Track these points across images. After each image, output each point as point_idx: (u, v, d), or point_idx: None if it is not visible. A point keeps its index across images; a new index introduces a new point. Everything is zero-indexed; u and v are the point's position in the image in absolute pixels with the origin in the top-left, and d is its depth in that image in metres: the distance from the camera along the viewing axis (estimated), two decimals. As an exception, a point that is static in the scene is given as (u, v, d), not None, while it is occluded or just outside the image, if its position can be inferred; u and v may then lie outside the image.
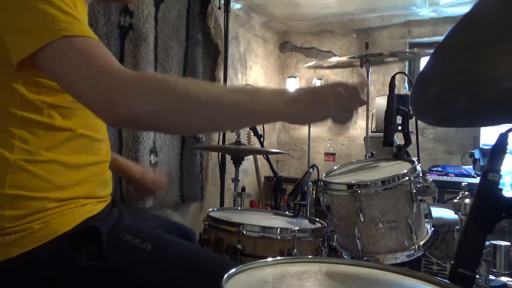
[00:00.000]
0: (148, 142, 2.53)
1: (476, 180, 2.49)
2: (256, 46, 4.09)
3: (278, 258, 0.90)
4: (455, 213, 1.15)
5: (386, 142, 1.49)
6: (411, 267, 0.98)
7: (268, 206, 3.26)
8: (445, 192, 2.86)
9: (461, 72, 0.77)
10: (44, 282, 0.88)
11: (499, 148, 0.80)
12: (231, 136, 2.42)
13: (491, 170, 0.79)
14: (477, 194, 0.81)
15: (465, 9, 0.84)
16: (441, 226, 2.00)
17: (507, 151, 0.81)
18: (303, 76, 4.43)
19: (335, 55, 4.28)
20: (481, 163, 2.92)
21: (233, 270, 0.74)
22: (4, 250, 0.85)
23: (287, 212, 1.69)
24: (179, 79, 0.82)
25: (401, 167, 1.36)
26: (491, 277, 0.88)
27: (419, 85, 0.82)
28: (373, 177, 1.29)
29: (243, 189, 2.30)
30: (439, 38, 0.76)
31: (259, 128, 2.51)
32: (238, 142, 2.08)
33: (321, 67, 3.26)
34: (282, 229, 1.36)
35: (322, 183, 1.41)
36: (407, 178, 1.26)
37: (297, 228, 1.37)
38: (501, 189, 0.79)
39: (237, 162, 2.20)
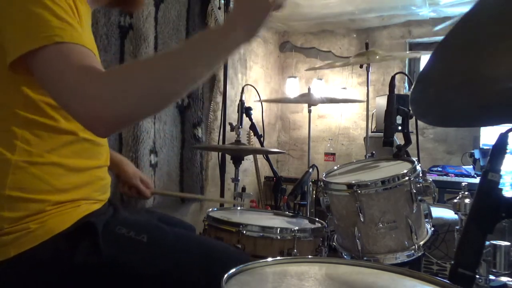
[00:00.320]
0: (148, 142, 2.53)
1: (476, 180, 2.49)
2: (256, 46, 4.09)
3: (278, 258, 0.90)
4: (455, 213, 1.15)
5: (386, 142, 1.50)
6: (411, 267, 0.98)
7: (268, 206, 3.26)
8: (445, 192, 2.86)
9: (461, 72, 0.77)
10: (43, 281, 0.89)
11: (499, 148, 0.80)
12: (231, 136, 2.42)
13: (491, 170, 0.79)
14: (477, 194, 0.81)
15: (465, 9, 0.84)
16: (441, 226, 2.00)
17: (507, 151, 0.81)
18: (303, 76, 4.44)
19: (335, 55, 4.29)
20: (481, 163, 2.92)
21: (233, 270, 0.74)
22: (3, 250, 0.86)
23: (287, 212, 1.69)
24: (137, 63, 0.86)
25: (401, 167, 1.36)
26: (491, 277, 0.88)
27: (419, 85, 0.82)
28: (373, 177, 1.29)
29: (243, 189, 2.29)
30: (439, 38, 0.76)
31: (259, 128, 2.51)
32: (238, 142, 2.08)
33: (321, 67, 3.25)
34: (282, 229, 1.36)
35: (322, 183, 1.41)
36: (407, 178, 1.26)
37: (297, 228, 1.37)
38: (501, 189, 0.79)
39: (237, 162, 2.20)
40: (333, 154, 4.15)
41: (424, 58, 3.60)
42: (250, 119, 2.45)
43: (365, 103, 2.76)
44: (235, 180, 2.28)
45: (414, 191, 1.27)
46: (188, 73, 0.79)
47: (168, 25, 2.67)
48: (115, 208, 1.05)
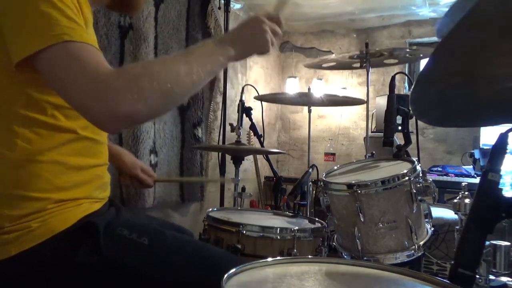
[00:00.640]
0: (148, 142, 2.53)
1: (476, 180, 2.49)
2: (256, 46, 4.08)
3: (278, 258, 0.90)
4: (455, 213, 1.15)
5: (386, 142, 1.50)
6: (411, 267, 0.98)
7: (268, 206, 3.26)
8: (445, 192, 2.86)
9: (461, 72, 0.77)
10: (44, 280, 0.89)
11: (499, 148, 0.80)
12: (231, 136, 2.42)
13: (491, 170, 0.79)
14: (477, 194, 0.81)
15: (465, 9, 0.84)
16: (441, 226, 2.00)
17: (507, 151, 0.81)
18: (303, 76, 4.43)
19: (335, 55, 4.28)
20: (481, 163, 2.92)
21: (233, 270, 0.74)
22: (3, 249, 0.86)
23: (287, 212, 1.69)
24: (155, 63, 0.90)
25: (401, 167, 1.36)
26: (491, 277, 0.88)
27: (419, 85, 0.82)
28: (373, 177, 1.29)
29: (243, 189, 2.29)
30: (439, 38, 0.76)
31: (259, 128, 2.51)
32: (238, 142, 2.08)
33: (321, 67, 3.25)
34: (282, 229, 1.36)
35: (322, 183, 1.41)
36: (407, 178, 1.26)
37: (297, 228, 1.37)
38: (501, 189, 0.79)
39: (237, 162, 2.20)
40: (333, 154, 4.15)
41: (424, 58, 3.59)
42: (250, 119, 2.45)
43: (365, 103, 2.76)
44: (235, 180, 2.28)
45: (414, 191, 1.27)
46: (192, 76, 0.84)
47: (168, 25, 2.67)
48: (117, 209, 1.06)
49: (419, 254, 1.28)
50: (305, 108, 2.73)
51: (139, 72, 0.80)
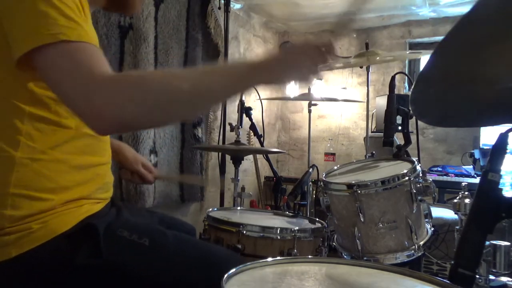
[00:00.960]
0: (148, 142, 2.53)
1: (476, 180, 2.49)
2: (256, 46, 4.09)
3: (278, 258, 0.90)
4: (455, 213, 1.15)
5: (386, 142, 1.50)
6: (411, 267, 0.98)
7: (268, 206, 3.26)
8: (445, 192, 2.86)
9: (461, 72, 0.77)
10: (44, 282, 0.88)
11: (499, 148, 0.81)
12: (231, 136, 2.42)
13: (491, 170, 0.79)
14: (477, 194, 0.81)
15: (465, 9, 0.84)
16: (441, 226, 2.00)
17: (507, 151, 0.81)
18: (303, 76, 4.43)
19: (335, 55, 4.28)
20: (481, 163, 2.92)
21: (233, 270, 0.74)
22: (3, 251, 0.85)
23: (287, 212, 1.69)
24: (156, 74, 0.85)
25: (401, 167, 1.36)
26: (491, 277, 0.88)
27: (419, 85, 0.82)
28: (373, 177, 1.29)
29: (243, 189, 2.29)
30: (439, 38, 0.76)
31: (259, 128, 2.51)
32: (238, 142, 2.08)
33: (321, 67, 3.26)
34: (282, 229, 1.36)
35: (322, 183, 1.41)
36: (407, 178, 1.26)
37: (297, 228, 1.37)
38: (501, 189, 0.79)
39: (237, 162, 2.20)
40: (333, 154, 4.15)
41: (424, 58, 3.59)
42: (250, 119, 2.45)
43: (365, 103, 2.76)
44: (235, 180, 2.28)
45: (414, 191, 1.27)
46: (200, 95, 0.81)
47: (168, 25, 2.67)
48: (118, 210, 1.05)
49: (419, 254, 1.28)
50: (305, 108, 2.74)
51: (136, 80, 0.79)
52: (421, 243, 1.28)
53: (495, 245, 0.88)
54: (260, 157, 3.28)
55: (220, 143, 2.76)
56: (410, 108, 1.47)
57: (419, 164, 1.36)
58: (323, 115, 4.32)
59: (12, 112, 0.87)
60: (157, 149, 2.62)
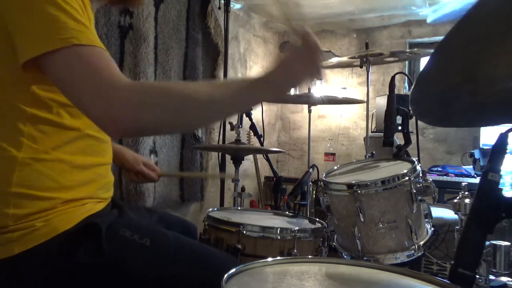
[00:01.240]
0: (148, 142, 2.53)
1: (476, 180, 2.49)
2: (256, 46, 4.09)
3: (278, 258, 0.90)
4: (455, 213, 1.15)
5: (386, 142, 1.50)
6: (411, 267, 0.98)
7: (268, 206, 3.26)
8: (445, 192, 2.86)
9: (461, 72, 0.77)
10: (46, 279, 0.89)
11: (499, 148, 0.81)
12: (231, 136, 2.42)
13: (491, 170, 0.79)
14: (477, 194, 0.81)
15: (465, 9, 0.84)
16: (441, 226, 2.00)
17: (507, 151, 0.81)
18: (303, 76, 4.43)
19: (335, 55, 4.28)
20: (481, 163, 2.92)
21: (233, 270, 0.74)
22: (7, 248, 0.86)
23: (287, 212, 1.69)
24: (175, 86, 0.88)
25: (401, 167, 1.36)
26: (491, 277, 0.88)
27: (419, 85, 0.82)
28: (373, 177, 1.29)
29: (243, 189, 2.29)
30: (439, 38, 0.76)
31: (259, 128, 2.51)
32: (238, 142, 2.08)
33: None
34: (282, 229, 1.36)
35: (322, 183, 1.41)
36: (407, 178, 1.26)
37: (297, 228, 1.36)
38: (501, 189, 0.79)
39: (237, 162, 2.20)
40: (333, 154, 4.15)
41: (424, 58, 3.59)
42: (250, 119, 2.44)
43: (365, 103, 2.76)
44: (235, 180, 2.28)
45: (414, 191, 1.27)
46: (211, 109, 0.83)
47: (168, 25, 2.66)
48: (120, 210, 1.06)
49: (419, 254, 1.28)
50: (305, 108, 2.73)
51: (154, 89, 0.82)
52: (421, 243, 1.28)
53: (495, 245, 0.88)
54: (260, 157, 3.28)
55: (220, 143, 2.76)
56: (410, 108, 1.47)
57: (419, 164, 1.36)
58: (323, 115, 4.32)
59: (14, 114, 0.87)
60: (157, 149, 2.62)
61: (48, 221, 0.88)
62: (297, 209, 1.86)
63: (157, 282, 0.93)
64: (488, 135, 3.03)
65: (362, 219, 1.27)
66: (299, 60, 0.89)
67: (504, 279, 0.88)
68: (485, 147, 2.96)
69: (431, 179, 1.32)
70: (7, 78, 0.86)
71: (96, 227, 0.91)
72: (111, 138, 0.85)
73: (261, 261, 0.83)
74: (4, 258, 0.86)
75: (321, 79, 0.92)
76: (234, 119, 2.63)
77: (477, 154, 2.99)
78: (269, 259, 0.85)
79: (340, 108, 4.21)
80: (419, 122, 2.25)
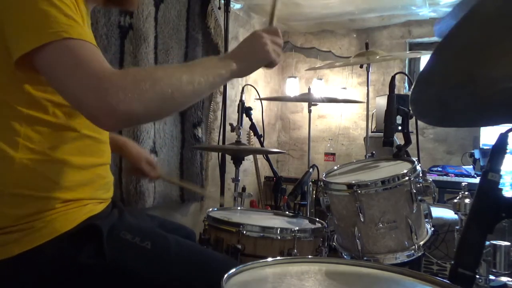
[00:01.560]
0: (148, 142, 2.53)
1: (476, 180, 2.49)
2: (256, 46, 4.08)
3: (278, 258, 0.90)
4: (455, 213, 1.15)
5: (386, 142, 1.49)
6: (411, 267, 0.98)
7: (268, 206, 3.26)
8: (445, 192, 2.86)
9: (461, 72, 0.77)
10: (46, 280, 0.89)
11: (499, 148, 0.80)
12: (231, 136, 2.42)
13: (491, 170, 0.79)
14: (477, 194, 0.81)
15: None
16: (441, 226, 2.00)
17: (507, 151, 0.81)
18: (303, 76, 4.43)
19: (335, 55, 4.29)
20: (481, 163, 2.92)
21: (233, 270, 0.74)
22: (6, 249, 0.85)
23: (287, 212, 1.69)
24: (157, 69, 0.91)
25: (401, 167, 1.36)
26: (491, 277, 0.88)
27: (419, 85, 0.82)
28: (373, 177, 1.29)
29: (243, 189, 2.29)
30: (439, 38, 0.76)
31: (259, 128, 2.51)
32: (238, 142, 2.08)
33: (321, 67, 3.26)
34: (282, 229, 1.36)
35: (322, 183, 1.41)
36: (407, 178, 1.26)
37: (297, 228, 1.36)
38: (501, 189, 0.79)
39: (237, 162, 2.20)
40: (333, 154, 4.15)
41: (424, 58, 3.59)
42: (250, 119, 2.45)
43: (365, 103, 2.76)
44: (235, 180, 2.28)
45: (414, 191, 1.27)
46: (194, 85, 0.86)
47: (168, 25, 2.67)
48: (120, 212, 1.05)
49: (419, 254, 1.28)
50: (305, 108, 2.73)
51: (142, 75, 0.81)
52: (421, 243, 1.28)
53: (495, 245, 0.88)
54: (260, 157, 3.28)
55: (220, 143, 2.76)
56: (410, 108, 1.47)
57: (419, 164, 1.35)
58: (323, 115, 4.32)
59: (10, 115, 0.87)
60: (157, 149, 2.62)
61: (48, 222, 0.88)
62: (297, 209, 1.86)
63: (158, 285, 0.93)
64: (488, 135, 3.03)
65: (362, 219, 1.27)
66: (263, 38, 0.99)
67: (504, 279, 0.88)
68: (485, 147, 2.96)
69: (431, 179, 1.32)
70: (1, 77, 0.86)
71: (97, 229, 0.91)
72: (105, 130, 0.84)
73: (261, 261, 0.83)
74: (4, 259, 0.85)
75: (275, 65, 1.04)
76: (234, 120, 2.63)
77: (477, 154, 2.99)
78: (269, 259, 0.84)
79: (340, 108, 4.21)
80: (419, 122, 2.25)
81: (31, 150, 0.88)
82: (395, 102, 1.51)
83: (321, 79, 4.27)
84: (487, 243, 0.85)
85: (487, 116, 0.90)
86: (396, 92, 1.57)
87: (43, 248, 0.87)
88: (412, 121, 1.70)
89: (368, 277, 0.83)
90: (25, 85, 0.86)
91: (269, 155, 2.75)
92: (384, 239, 1.27)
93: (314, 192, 2.63)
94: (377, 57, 2.47)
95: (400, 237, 1.27)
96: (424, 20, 3.84)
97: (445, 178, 2.95)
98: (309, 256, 1.22)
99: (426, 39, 3.91)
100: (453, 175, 2.99)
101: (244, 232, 1.33)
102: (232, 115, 3.34)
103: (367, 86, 2.73)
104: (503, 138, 0.81)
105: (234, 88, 3.62)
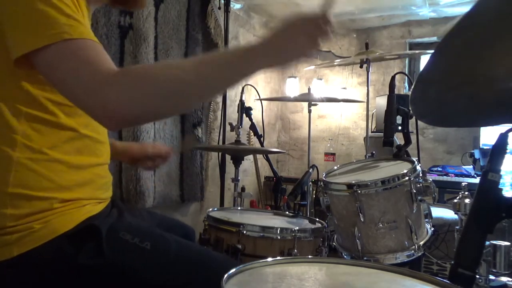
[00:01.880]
0: (148, 142, 2.53)
1: (476, 180, 2.49)
2: (256, 46, 4.08)
3: (278, 258, 0.90)
4: (455, 213, 1.15)
5: (386, 142, 1.50)
6: (411, 267, 0.98)
7: (268, 206, 3.26)
8: (445, 192, 2.86)
9: (461, 72, 0.77)
10: (45, 282, 0.89)
11: (499, 148, 0.81)
12: (231, 136, 2.42)
13: (491, 170, 0.79)
14: (477, 194, 0.81)
15: (465, 9, 0.84)
16: (441, 226, 2.00)
17: (507, 151, 0.81)
18: (303, 76, 4.43)
19: (335, 55, 4.28)
20: (481, 163, 2.92)
21: (233, 270, 0.74)
22: (5, 250, 0.85)
23: (287, 212, 1.69)
24: (161, 66, 0.86)
25: (401, 167, 1.36)
26: (491, 277, 0.88)
27: (419, 85, 0.82)
28: (373, 177, 1.29)
29: (243, 189, 2.30)
30: (439, 38, 0.75)
31: (259, 128, 2.51)
32: (238, 142, 2.08)
33: (321, 67, 3.26)
34: (282, 229, 1.36)
35: (322, 183, 1.41)
36: (407, 178, 1.26)
37: (297, 228, 1.37)
38: (501, 189, 0.79)
39: (237, 162, 2.20)
40: (333, 154, 4.15)
41: (424, 58, 3.59)
42: (250, 119, 2.45)
43: (365, 103, 2.76)
44: (235, 180, 2.28)
45: (414, 191, 1.27)
46: (201, 87, 0.82)
47: (168, 25, 2.67)
48: (120, 211, 1.05)
49: (419, 254, 1.28)
50: (305, 108, 2.73)
51: (142, 74, 0.80)
52: (421, 243, 1.28)
53: (495, 245, 0.88)
54: (260, 157, 3.28)
55: (220, 143, 2.76)
56: (410, 108, 1.47)
57: (419, 164, 1.35)
58: (323, 115, 4.32)
59: (8, 113, 0.87)
60: (157, 149, 2.62)
61: (47, 222, 0.88)
62: (297, 209, 1.86)
63: (157, 285, 0.93)
64: (488, 135, 3.03)
65: (362, 219, 1.27)
66: (300, 29, 0.83)
67: (504, 279, 0.88)
68: (485, 147, 2.96)
69: (431, 179, 1.32)
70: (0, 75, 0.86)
71: (96, 230, 0.91)
72: (108, 129, 0.84)
73: (261, 261, 0.83)
74: (3, 260, 0.85)
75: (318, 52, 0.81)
76: (234, 120, 2.63)
77: (477, 154, 2.99)
78: (269, 259, 0.84)
79: (340, 108, 4.21)
80: (419, 122, 2.25)
81: (30, 148, 0.88)
82: (395, 102, 1.51)
83: (321, 79, 4.27)
84: (487, 243, 0.85)
85: (487, 116, 0.90)
86: (396, 92, 1.57)
87: (42, 249, 0.86)
88: (412, 121, 1.70)
89: (368, 277, 0.83)
90: (24, 83, 0.86)
91: (269, 155, 2.76)
92: (384, 239, 1.27)
93: (314, 192, 2.63)
94: (377, 54, 2.47)
95: (400, 237, 1.27)
96: (424, 20, 3.83)
97: (445, 178, 2.95)
98: (309, 256, 1.22)
99: (426, 39, 3.90)
100: (453, 175, 2.99)
101: (244, 232, 1.33)
102: (232, 115, 3.33)
103: (367, 86, 2.73)
104: (503, 138, 0.81)
105: (234, 88, 3.61)
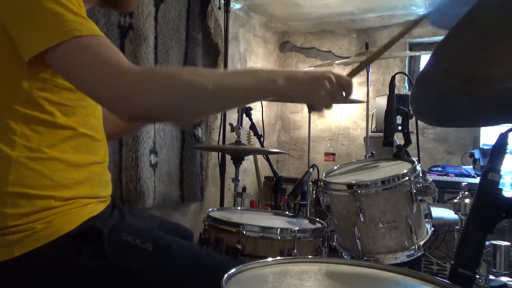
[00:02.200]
0: (148, 142, 2.53)
1: (476, 180, 2.49)
2: (256, 46, 4.09)
3: (278, 258, 0.90)
4: (455, 213, 1.15)
5: (386, 142, 1.50)
6: (411, 267, 0.98)
7: (268, 206, 3.26)
8: (445, 192, 2.86)
9: (461, 72, 0.77)
10: (46, 282, 0.88)
11: (499, 148, 0.81)
12: (231, 136, 2.42)
13: (491, 170, 0.79)
14: (477, 194, 0.81)
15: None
16: (441, 226, 2.00)
17: (507, 151, 0.81)
18: (303, 76, 4.43)
19: (335, 55, 4.29)
20: (481, 163, 2.92)
21: (233, 270, 0.74)
22: (7, 250, 0.85)
23: (287, 212, 1.69)
24: (183, 70, 0.88)
25: (401, 167, 1.36)
26: (491, 277, 0.88)
27: (419, 85, 0.82)
28: (373, 177, 1.29)
29: (243, 189, 2.29)
30: (439, 38, 0.76)
31: (259, 128, 2.51)
32: (238, 142, 2.08)
33: (321, 67, 3.26)
34: (282, 229, 1.36)
35: (322, 183, 1.41)
36: (407, 178, 1.26)
37: (297, 228, 1.36)
38: (501, 189, 0.79)
39: (237, 162, 2.20)
40: (333, 154, 4.15)
41: (424, 58, 3.59)
42: (250, 119, 2.45)
43: (365, 103, 2.76)
44: (235, 180, 2.28)
45: (414, 191, 1.27)
46: (229, 105, 0.90)
47: (168, 25, 2.67)
48: (121, 213, 1.05)
49: (419, 254, 1.28)
50: (305, 108, 2.73)
51: (164, 74, 0.84)
52: (421, 243, 1.28)
53: (495, 245, 0.88)
54: (260, 157, 3.28)
55: (220, 143, 2.76)
56: (410, 108, 1.47)
57: (419, 164, 1.35)
58: (323, 115, 4.32)
59: (7, 113, 0.87)
60: (157, 149, 2.62)
61: (48, 223, 0.88)
62: (297, 209, 1.86)
63: (159, 286, 0.93)
64: (488, 135, 3.03)
65: (362, 219, 1.27)
66: (323, 83, 0.92)
67: (504, 279, 0.88)
68: (485, 147, 2.96)
69: (431, 179, 1.32)
70: None
71: (98, 231, 0.91)
72: (123, 121, 0.87)
73: (261, 261, 0.83)
74: (4, 261, 0.85)
75: (318, 111, 0.97)
76: (234, 120, 2.63)
77: (477, 154, 2.99)
78: (269, 259, 0.84)
79: (340, 108, 4.21)
80: (419, 122, 2.25)
81: (28, 148, 0.88)
82: (395, 102, 1.51)
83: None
84: (487, 243, 0.85)
85: (487, 116, 0.90)
86: (396, 92, 1.57)
87: (44, 249, 0.86)
88: (412, 121, 1.70)
89: (368, 277, 0.83)
90: (23, 84, 0.86)
91: (269, 155, 2.75)
92: (384, 239, 1.27)
93: (314, 192, 2.63)
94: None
95: (400, 237, 1.27)
96: (424, 20, 3.83)
97: (445, 178, 2.95)
98: (309, 256, 1.22)
99: (426, 39, 3.90)
100: (453, 175, 2.99)
101: (244, 232, 1.33)
102: (232, 115, 3.33)
103: (367, 86, 2.73)
104: (503, 138, 0.81)
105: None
